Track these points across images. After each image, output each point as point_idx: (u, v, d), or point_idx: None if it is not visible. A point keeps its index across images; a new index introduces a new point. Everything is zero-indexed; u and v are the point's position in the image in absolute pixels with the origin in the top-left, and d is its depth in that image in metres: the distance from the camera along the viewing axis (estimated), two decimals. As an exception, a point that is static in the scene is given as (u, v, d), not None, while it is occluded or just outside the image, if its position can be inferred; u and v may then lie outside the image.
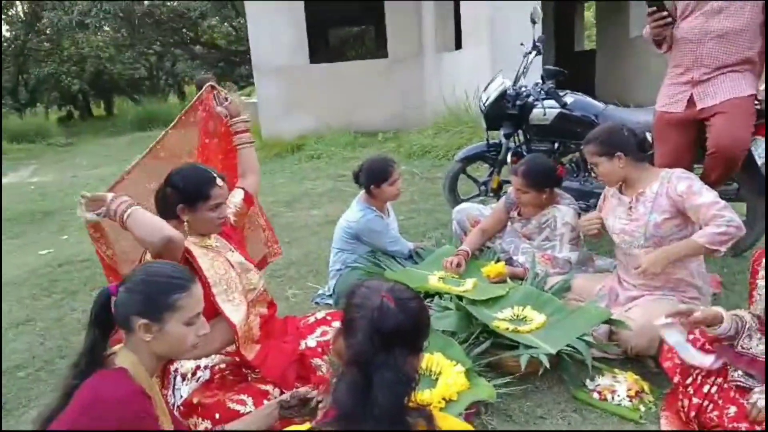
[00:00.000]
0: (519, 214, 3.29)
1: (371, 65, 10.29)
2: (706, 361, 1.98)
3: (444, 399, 2.06)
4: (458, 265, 3.10)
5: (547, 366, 2.24)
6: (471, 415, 2.11)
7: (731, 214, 2.34)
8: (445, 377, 2.16)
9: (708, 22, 2.89)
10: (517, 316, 2.64)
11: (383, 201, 3.30)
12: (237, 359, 2.08)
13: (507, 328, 2.49)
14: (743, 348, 2.04)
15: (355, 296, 1.28)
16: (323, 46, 12.97)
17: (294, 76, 9.37)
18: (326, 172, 7.18)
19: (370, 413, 1.14)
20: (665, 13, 2.97)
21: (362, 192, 3.33)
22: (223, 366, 2.07)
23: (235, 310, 2.00)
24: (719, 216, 2.33)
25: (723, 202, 2.39)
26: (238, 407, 1.91)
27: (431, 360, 2.26)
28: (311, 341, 2.20)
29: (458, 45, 8.64)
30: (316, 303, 3.34)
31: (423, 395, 2.06)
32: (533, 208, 3.19)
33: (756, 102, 2.99)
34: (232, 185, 2.42)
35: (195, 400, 1.95)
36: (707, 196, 2.40)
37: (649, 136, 2.68)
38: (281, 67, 9.40)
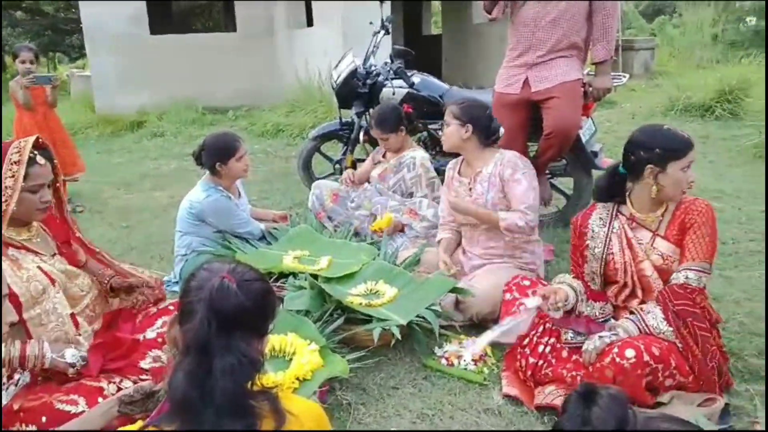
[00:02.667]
0: (384, 156, 3.59)
1: (219, 39, 9.83)
2: (534, 302, 2.18)
3: (298, 379, 2.03)
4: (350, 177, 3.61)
5: (399, 337, 2.30)
6: (325, 393, 2.11)
7: (533, 216, 2.61)
8: (299, 357, 2.13)
9: (542, 8, 3.11)
10: (371, 290, 2.68)
11: (231, 180, 3.15)
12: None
13: (360, 303, 2.52)
14: (579, 312, 2.26)
15: (193, 279, 1.20)
16: (165, 17, 12.10)
17: (133, 48, 8.66)
18: (171, 151, 6.76)
19: (210, 401, 1.08)
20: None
21: (207, 172, 3.16)
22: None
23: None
24: (524, 214, 2.58)
25: (534, 201, 2.61)
26: (68, 408, 1.72)
27: (284, 341, 2.22)
28: (151, 333, 2.04)
29: (309, 22, 8.52)
30: (168, 286, 3.14)
31: (276, 377, 2.02)
32: (396, 153, 3.50)
33: (582, 85, 3.27)
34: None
35: (15, 406, 1.73)
36: (524, 187, 2.61)
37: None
38: (118, 38, 8.64)
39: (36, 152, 1.86)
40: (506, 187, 2.64)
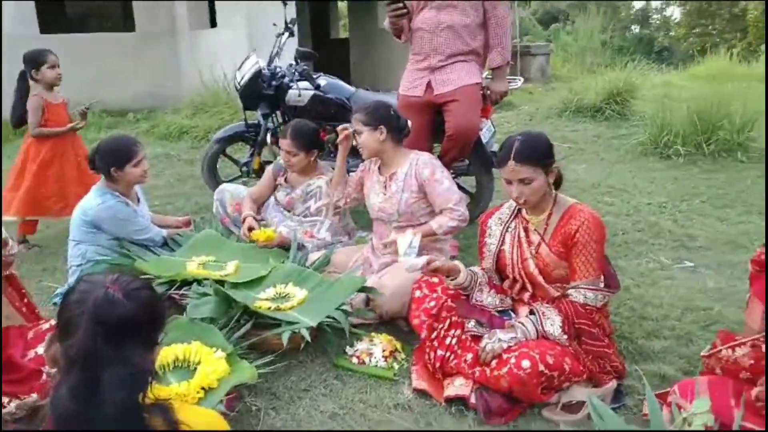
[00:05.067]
0: (286, 181, 3.36)
1: (117, 39, 9.33)
2: (419, 261, 2.26)
3: (203, 388, 1.97)
4: (250, 228, 3.14)
5: (309, 339, 2.29)
6: (233, 400, 2.05)
7: (463, 209, 2.70)
8: (204, 366, 2.06)
9: (439, 15, 3.22)
10: (280, 294, 2.64)
11: (128, 185, 3.00)
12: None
13: (269, 308, 2.48)
14: (477, 301, 2.34)
15: (73, 293, 1.13)
16: (58, 16, 11.37)
17: (21, 48, 8.02)
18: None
19: (98, 417, 1.02)
20: (401, 4, 3.23)
21: (102, 178, 2.99)
22: None
23: None
24: (454, 210, 2.67)
25: (458, 195, 2.72)
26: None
27: (188, 350, 2.14)
28: (41, 349, 1.91)
29: (213, 23, 8.28)
30: (55, 304, 2.94)
31: (180, 388, 1.94)
32: (300, 175, 3.30)
33: (481, 89, 3.39)
34: None
35: None
36: (446, 186, 2.70)
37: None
38: (4, 37, 8.00)
39: None
40: (427, 188, 2.70)
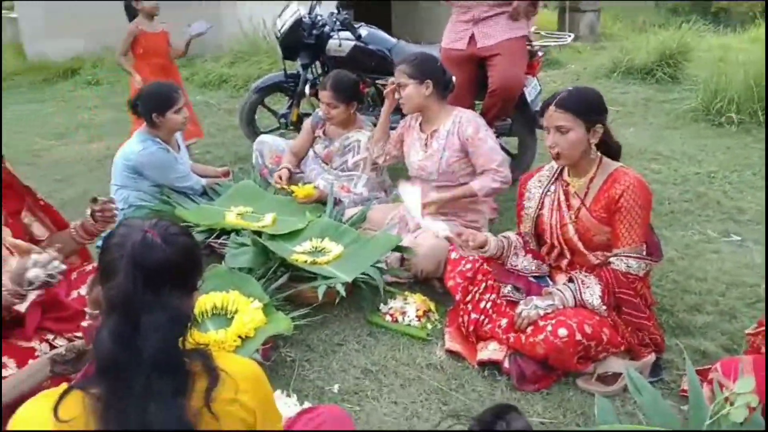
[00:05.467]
0: (324, 134, 3.31)
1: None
2: (439, 228, 2.22)
3: (240, 337, 2.00)
4: (280, 177, 3.16)
5: (344, 294, 2.30)
6: (268, 350, 2.09)
7: (506, 171, 2.62)
8: (241, 315, 2.09)
9: None
10: (316, 248, 2.65)
11: (169, 132, 3.02)
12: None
13: (305, 261, 2.49)
14: (512, 266, 2.30)
15: (113, 237, 1.13)
16: (100, -44, 11.35)
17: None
18: (107, 101, 6.42)
19: (138, 360, 1.03)
20: None
21: (144, 123, 3.01)
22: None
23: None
24: (497, 172, 2.59)
25: (501, 156, 2.62)
26: (-5, 371, 1.64)
27: (227, 299, 2.18)
28: (84, 290, 1.96)
29: (255, -31, 8.13)
30: (98, 248, 3.00)
31: (217, 335, 1.98)
32: (339, 127, 3.24)
33: (527, 42, 3.26)
34: None
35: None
36: (490, 145, 2.61)
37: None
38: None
39: None
40: (470, 147, 2.62)
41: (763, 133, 4.69)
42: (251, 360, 1.28)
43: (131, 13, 4.10)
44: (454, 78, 2.77)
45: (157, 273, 1.09)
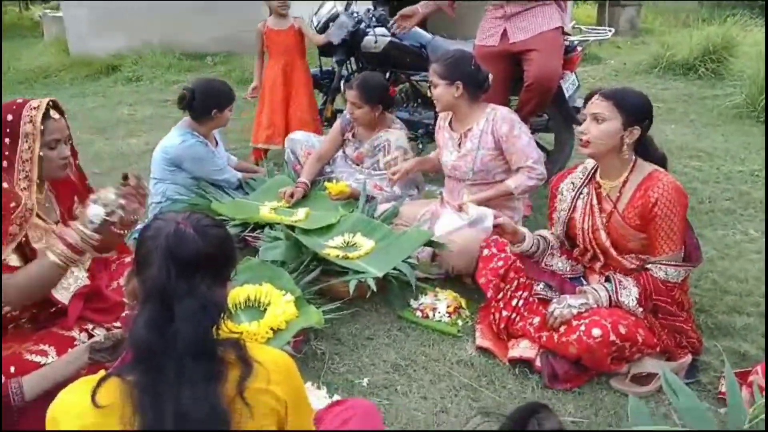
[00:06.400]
0: (353, 136, 3.30)
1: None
2: (487, 219, 2.10)
3: (272, 329, 2.03)
4: (291, 195, 3.06)
5: (374, 289, 2.31)
6: (299, 342, 2.11)
7: (542, 168, 2.59)
8: (274, 307, 2.12)
9: None
10: (348, 243, 2.66)
11: (215, 127, 3.11)
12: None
13: (337, 255, 2.51)
14: (546, 265, 2.26)
15: (148, 230, 1.17)
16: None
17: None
18: (147, 97, 6.56)
19: (172, 347, 1.06)
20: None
21: (186, 117, 3.08)
22: (15, 313, 1.82)
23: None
24: (532, 169, 2.56)
25: (537, 153, 2.58)
26: (38, 359, 1.69)
27: (260, 291, 2.21)
28: (123, 281, 2.01)
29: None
30: (135, 239, 3.08)
31: (250, 327, 2.01)
32: (366, 129, 3.23)
33: (564, 37, 3.21)
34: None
35: (-17, 356, 1.70)
36: (525, 141, 2.57)
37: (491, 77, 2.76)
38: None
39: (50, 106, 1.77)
40: (504, 144, 2.59)
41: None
42: (283, 352, 1.30)
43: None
44: (490, 76, 2.73)
45: (189, 264, 1.12)
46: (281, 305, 2.12)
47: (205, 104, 2.99)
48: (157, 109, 6.02)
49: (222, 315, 1.16)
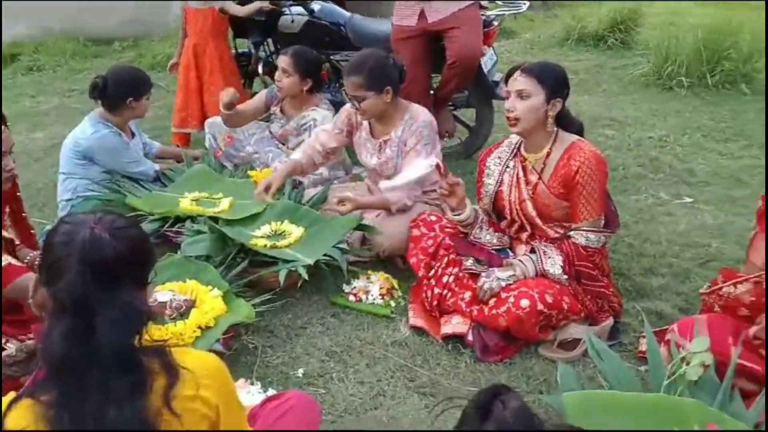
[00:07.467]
0: (281, 111, 3.25)
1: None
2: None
3: (200, 327, 1.96)
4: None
5: (306, 277, 2.27)
6: (230, 339, 2.05)
7: (419, 191, 2.55)
8: (201, 304, 2.05)
9: None
10: (275, 231, 2.60)
11: (131, 118, 2.96)
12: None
13: (265, 245, 2.45)
14: (475, 238, 2.31)
15: (56, 235, 1.08)
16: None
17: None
18: (51, 87, 6.14)
19: (93, 360, 0.99)
20: None
21: (98, 108, 2.90)
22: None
23: None
24: (413, 190, 2.50)
25: (424, 172, 2.43)
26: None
27: (184, 288, 2.13)
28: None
29: (199, -57, 7.82)
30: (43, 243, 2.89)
31: (176, 326, 1.94)
32: (294, 105, 3.17)
33: (482, 12, 3.23)
34: None
35: None
36: (419, 160, 2.46)
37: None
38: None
39: None
40: (405, 151, 2.53)
41: (712, 96, 4.82)
42: (211, 354, 1.25)
43: None
44: (404, 65, 2.61)
45: (108, 270, 1.05)
46: (208, 301, 2.05)
47: (120, 93, 2.82)
48: (63, 99, 5.66)
49: (145, 321, 1.10)
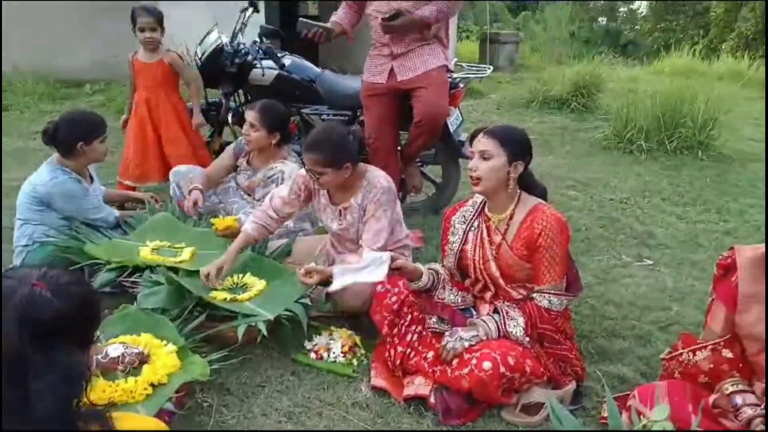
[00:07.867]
0: (248, 163, 3.24)
1: (74, 5, 8.90)
2: (379, 272, 2.16)
3: (152, 384, 1.87)
4: (195, 203, 3.00)
5: (265, 333, 2.21)
6: (183, 397, 1.96)
7: (374, 255, 2.39)
8: (154, 360, 1.96)
9: (390, 2, 3.10)
10: (237, 283, 2.55)
11: (87, 163, 2.90)
12: None
13: (225, 299, 2.39)
14: (439, 298, 2.29)
15: None
16: (9, -24, 10.80)
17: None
18: (17, 128, 6.04)
19: (27, 427, 0.93)
20: (319, 30, 3.16)
21: (55, 153, 2.84)
22: None
23: None
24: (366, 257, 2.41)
25: (383, 242, 2.46)
26: None
27: (138, 342, 2.04)
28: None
29: (176, -7, 7.95)
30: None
31: (126, 383, 1.84)
32: (262, 158, 3.17)
33: (447, 71, 3.32)
34: None
35: None
36: (380, 226, 2.47)
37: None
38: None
39: None
40: (365, 217, 2.52)
41: (670, 160, 5.00)
42: (154, 420, 1.19)
43: None
44: (361, 131, 2.63)
45: (47, 331, 1.00)
46: (162, 357, 1.97)
47: (70, 137, 2.77)
48: (27, 141, 5.56)
49: (84, 384, 1.04)
